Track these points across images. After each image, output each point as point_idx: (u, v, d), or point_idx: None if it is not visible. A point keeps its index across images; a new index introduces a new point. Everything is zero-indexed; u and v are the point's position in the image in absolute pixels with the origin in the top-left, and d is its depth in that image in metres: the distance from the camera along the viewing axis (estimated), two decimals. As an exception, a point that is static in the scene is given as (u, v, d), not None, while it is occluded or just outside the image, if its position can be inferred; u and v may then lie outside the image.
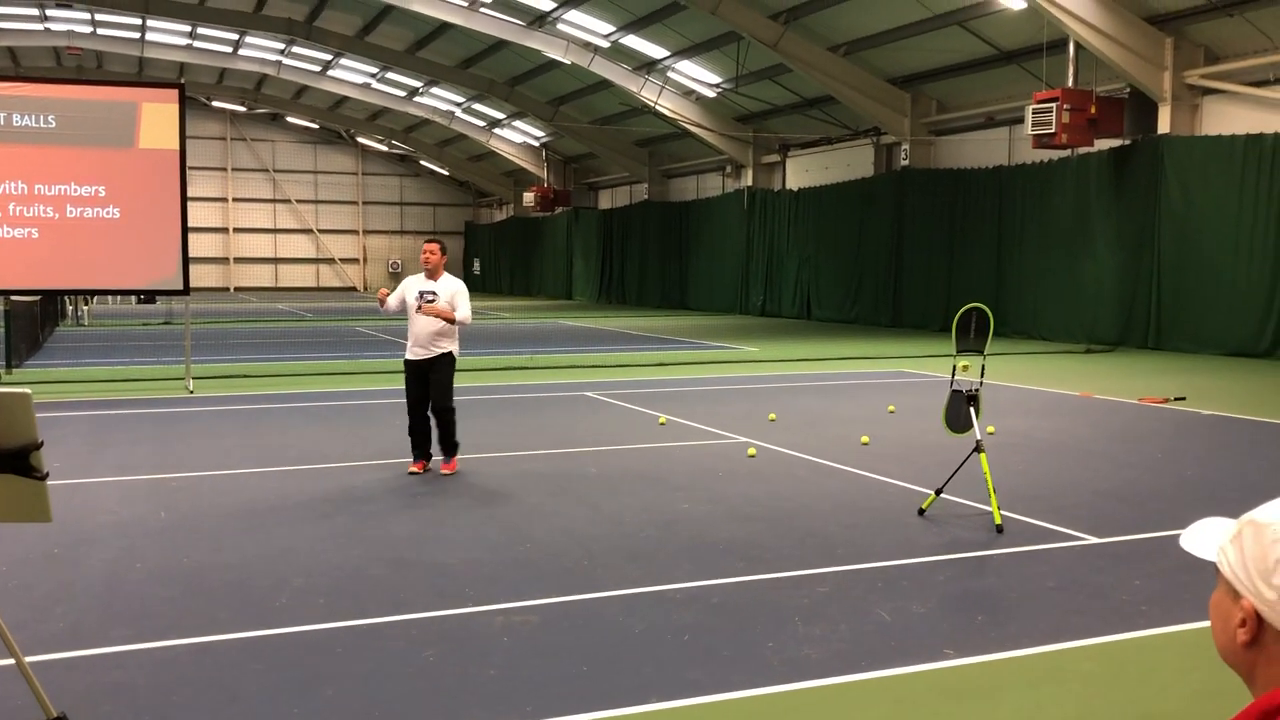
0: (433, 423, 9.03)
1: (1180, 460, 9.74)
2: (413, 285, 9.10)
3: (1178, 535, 1.58)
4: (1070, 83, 20.79)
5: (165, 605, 5.58)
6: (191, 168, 42.80)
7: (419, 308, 8.93)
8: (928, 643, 5.02)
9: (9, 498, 3.21)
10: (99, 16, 37.25)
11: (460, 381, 15.70)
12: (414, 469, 8.98)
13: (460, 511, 7.70)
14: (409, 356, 9.05)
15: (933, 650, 4.92)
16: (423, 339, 8.94)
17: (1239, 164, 19.33)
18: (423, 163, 58.88)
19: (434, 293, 8.99)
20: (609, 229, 43.80)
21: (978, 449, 7.37)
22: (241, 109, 54.65)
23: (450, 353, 9.04)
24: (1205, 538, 1.54)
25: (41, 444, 3.17)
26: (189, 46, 41.20)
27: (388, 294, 9.23)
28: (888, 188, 28.05)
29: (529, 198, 45.89)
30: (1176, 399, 13.47)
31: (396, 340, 22.35)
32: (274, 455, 9.85)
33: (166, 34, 39.87)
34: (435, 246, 9.12)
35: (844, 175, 30.29)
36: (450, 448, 9.08)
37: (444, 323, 8.91)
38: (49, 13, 36.80)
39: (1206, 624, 1.55)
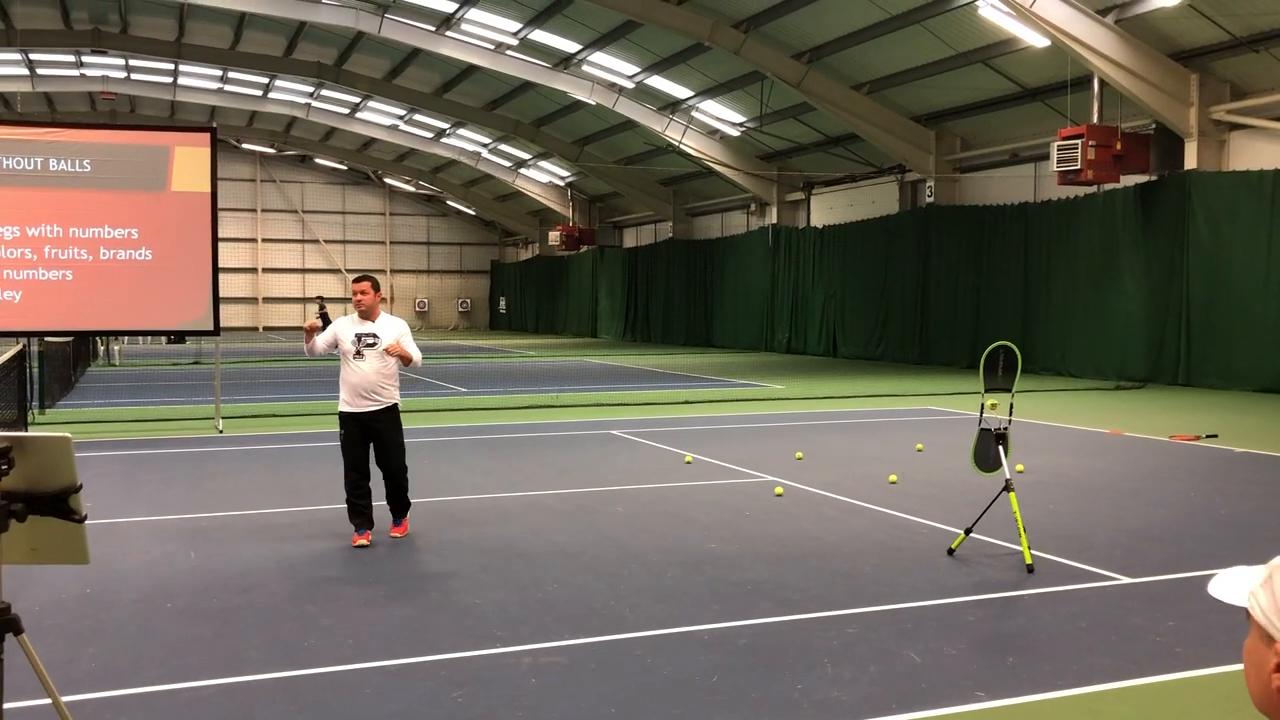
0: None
1: (1213, 499, 9.63)
2: (347, 328, 7.99)
3: (1212, 575, 1.58)
4: (1095, 119, 20.79)
5: (195, 645, 5.61)
6: (221, 209, 43.31)
7: (357, 353, 7.90)
8: (958, 685, 4.97)
9: (49, 540, 3.26)
10: (133, 62, 37.96)
11: (487, 420, 15.82)
12: (361, 541, 7.84)
13: (487, 551, 7.70)
14: (349, 410, 7.96)
15: (964, 692, 4.88)
16: (364, 389, 7.89)
17: (1268, 198, 19.23)
18: (449, 203, 59.39)
19: (375, 335, 7.92)
20: (634, 267, 43.97)
21: (1007, 488, 7.32)
22: (271, 151, 55.37)
23: (397, 404, 8.12)
24: (1234, 584, 1.54)
25: (80, 486, 3.22)
26: (220, 90, 41.88)
27: (318, 326, 8.25)
28: (913, 225, 28.05)
29: (554, 237, 46.18)
30: (1208, 436, 13.33)
31: (420, 378, 22.46)
32: (302, 495, 9.91)
33: (198, 78, 40.56)
34: (367, 285, 7.97)
35: (869, 212, 30.32)
36: (404, 507, 8.19)
37: (388, 369, 7.97)
38: (84, 59, 37.53)
39: (1242, 667, 1.54)
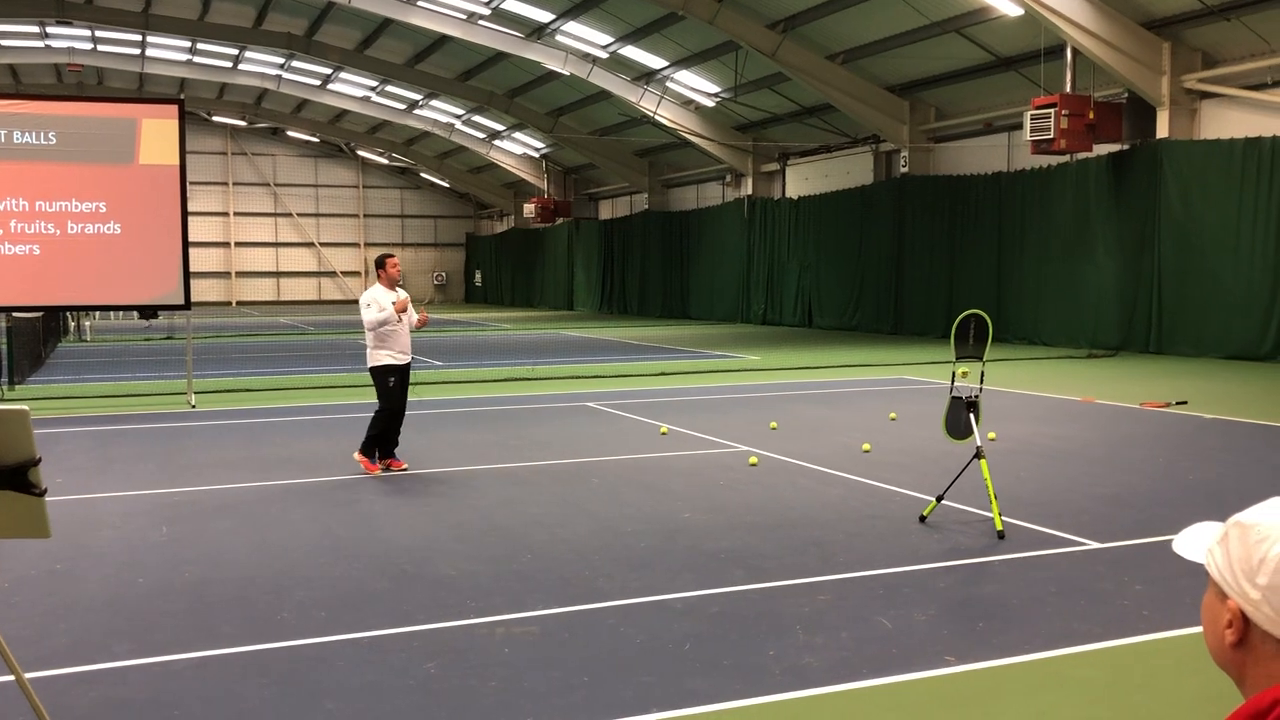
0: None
1: (1182, 464, 9.73)
2: (385, 296, 9.64)
3: (1177, 540, 1.59)
4: (1068, 88, 20.82)
5: (167, 620, 5.58)
6: (192, 183, 42.86)
7: (400, 318, 9.67)
8: (929, 650, 5.02)
9: (8, 514, 3.22)
10: (99, 33, 37.37)
11: (463, 393, 15.79)
12: (393, 465, 9.67)
13: (462, 523, 7.70)
14: (397, 362, 9.61)
15: (934, 657, 4.92)
16: (407, 345, 9.73)
17: (1238, 167, 19.35)
18: (423, 175, 58.98)
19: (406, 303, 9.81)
20: (610, 239, 43.85)
21: (978, 455, 7.37)
22: (242, 123, 54.76)
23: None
24: (1196, 541, 1.55)
25: (39, 460, 3.18)
26: (189, 62, 41.32)
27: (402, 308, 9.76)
28: (887, 195, 28.08)
29: (529, 209, 45.95)
30: (1178, 403, 13.46)
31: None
32: (276, 469, 9.86)
33: (167, 50, 39.99)
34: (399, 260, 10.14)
35: (844, 183, 30.32)
36: (395, 444, 9.82)
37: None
38: (50, 30, 36.91)
39: (1205, 629, 1.55)
